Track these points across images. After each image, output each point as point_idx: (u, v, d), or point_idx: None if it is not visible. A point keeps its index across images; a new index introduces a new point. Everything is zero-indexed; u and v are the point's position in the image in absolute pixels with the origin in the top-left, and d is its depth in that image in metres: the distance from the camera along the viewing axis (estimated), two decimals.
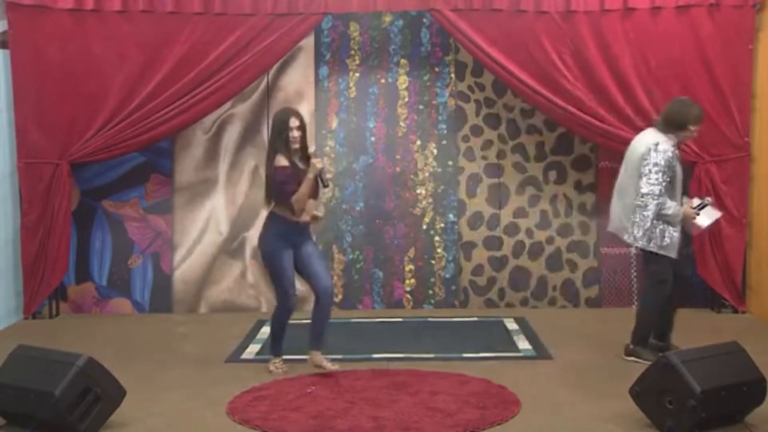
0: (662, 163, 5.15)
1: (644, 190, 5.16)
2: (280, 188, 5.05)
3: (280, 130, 5.08)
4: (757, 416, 4.22)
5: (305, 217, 5.13)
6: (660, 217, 5.19)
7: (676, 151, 5.27)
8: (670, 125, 5.29)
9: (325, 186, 5.18)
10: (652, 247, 5.25)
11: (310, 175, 5.01)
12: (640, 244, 5.29)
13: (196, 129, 7.15)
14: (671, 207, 5.19)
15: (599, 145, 6.97)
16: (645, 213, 5.18)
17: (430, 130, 7.27)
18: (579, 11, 6.61)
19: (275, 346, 5.30)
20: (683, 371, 3.99)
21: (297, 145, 5.10)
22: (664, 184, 5.17)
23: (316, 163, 5.02)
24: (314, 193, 5.16)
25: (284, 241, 5.10)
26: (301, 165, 5.11)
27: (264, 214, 7.07)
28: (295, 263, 5.14)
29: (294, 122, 5.07)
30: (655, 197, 5.15)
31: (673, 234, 5.24)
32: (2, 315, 6.68)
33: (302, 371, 5.20)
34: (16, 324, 6.74)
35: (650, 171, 5.16)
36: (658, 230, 5.22)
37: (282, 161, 5.05)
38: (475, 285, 7.24)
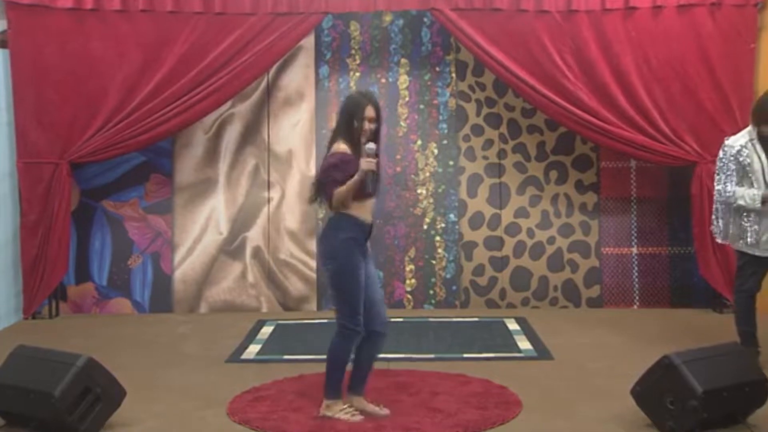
0: (724, 159, 5.13)
1: (715, 190, 5.23)
2: (326, 173, 4.21)
3: (353, 114, 4.26)
4: (759, 417, 4.21)
5: (370, 218, 4.26)
6: (739, 210, 5.10)
7: (752, 144, 5.09)
8: (752, 118, 5.20)
9: (370, 192, 4.23)
10: (731, 243, 5.24)
11: (357, 177, 4.11)
12: (719, 239, 5.32)
13: (196, 129, 7.15)
14: (743, 196, 5.06)
15: (600, 145, 6.97)
16: (715, 212, 5.26)
17: (430, 129, 7.27)
18: (580, 10, 6.62)
19: (331, 388, 4.33)
20: (685, 371, 3.98)
21: (364, 139, 4.25)
22: (729, 180, 5.09)
23: (364, 164, 4.11)
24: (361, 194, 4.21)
25: (359, 249, 4.21)
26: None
27: (264, 213, 7.22)
28: None
29: (370, 112, 4.25)
30: (720, 195, 5.14)
31: (752, 229, 5.09)
32: (2, 315, 6.68)
33: (305, 370, 5.20)
34: (16, 324, 6.74)
35: (717, 170, 5.21)
36: (737, 226, 5.15)
37: (342, 146, 4.23)
38: (476, 285, 7.24)
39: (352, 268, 4.18)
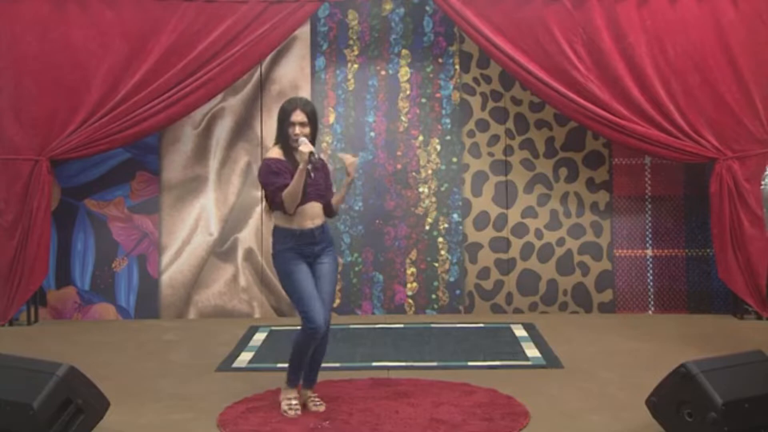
0: None
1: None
2: (267, 180, 4.54)
3: (282, 120, 4.59)
4: None
5: (308, 223, 4.58)
6: None
7: None
8: None
9: (315, 168, 4.46)
10: None
11: (301, 165, 4.40)
12: None
13: (185, 124, 7.15)
14: None
15: (613, 141, 6.96)
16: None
17: (433, 125, 7.26)
18: None
19: (292, 375, 4.67)
20: (704, 381, 3.97)
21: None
22: None
23: (303, 148, 4.41)
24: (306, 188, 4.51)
25: (297, 255, 4.56)
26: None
27: (257, 213, 7.21)
28: None
29: (298, 116, 4.54)
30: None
31: None
32: None
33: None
34: None
35: None
36: None
37: (274, 152, 4.60)
38: (481, 289, 7.23)
39: (289, 270, 4.58)
